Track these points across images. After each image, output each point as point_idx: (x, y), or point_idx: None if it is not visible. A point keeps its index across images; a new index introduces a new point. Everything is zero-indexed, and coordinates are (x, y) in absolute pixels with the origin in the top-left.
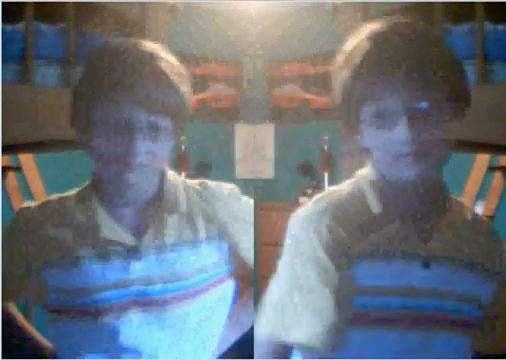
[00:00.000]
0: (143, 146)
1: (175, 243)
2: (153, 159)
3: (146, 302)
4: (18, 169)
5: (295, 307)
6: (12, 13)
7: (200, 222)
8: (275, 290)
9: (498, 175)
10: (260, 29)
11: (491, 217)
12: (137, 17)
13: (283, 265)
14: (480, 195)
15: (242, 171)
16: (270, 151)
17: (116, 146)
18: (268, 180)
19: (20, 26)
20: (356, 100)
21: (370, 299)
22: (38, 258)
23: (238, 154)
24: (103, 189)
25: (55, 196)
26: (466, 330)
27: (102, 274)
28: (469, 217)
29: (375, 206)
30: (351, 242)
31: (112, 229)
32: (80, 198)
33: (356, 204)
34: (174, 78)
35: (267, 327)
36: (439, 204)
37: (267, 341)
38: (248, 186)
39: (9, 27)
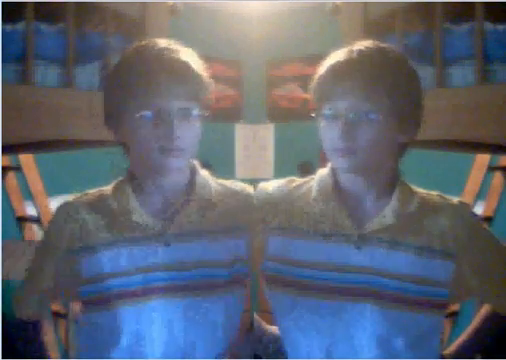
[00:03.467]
0: (179, 130)
1: (199, 232)
2: (189, 143)
3: (170, 288)
4: (18, 169)
5: None
6: (12, 13)
7: (216, 214)
8: None
9: (498, 175)
10: (260, 29)
11: (491, 217)
12: (137, 17)
13: None
14: (480, 195)
15: (242, 171)
16: (270, 151)
17: (156, 134)
18: (268, 180)
19: (20, 26)
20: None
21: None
22: (73, 247)
23: (238, 154)
24: (138, 180)
25: (94, 189)
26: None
27: (130, 259)
28: (415, 205)
29: (314, 193)
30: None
31: (142, 215)
32: (115, 188)
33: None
34: (196, 66)
35: None
36: (384, 192)
37: None
38: None
39: (9, 27)
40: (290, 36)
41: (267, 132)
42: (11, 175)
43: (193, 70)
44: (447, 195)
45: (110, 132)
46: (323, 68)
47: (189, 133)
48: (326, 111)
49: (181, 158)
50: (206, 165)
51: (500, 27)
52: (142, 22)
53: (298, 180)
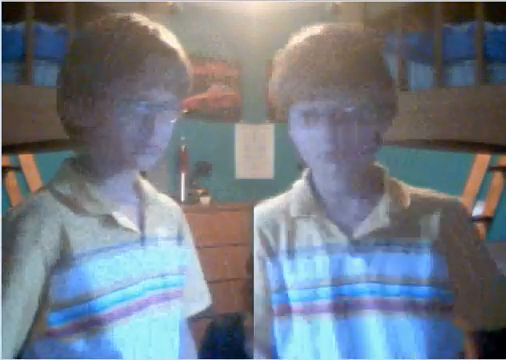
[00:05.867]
0: (158, 127)
1: (163, 237)
2: (164, 141)
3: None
4: (18, 169)
5: None
6: (12, 13)
7: (163, 218)
8: None
9: (498, 175)
10: (260, 29)
11: (491, 217)
12: None
13: None
14: (480, 195)
15: (242, 171)
16: (270, 151)
17: (134, 127)
18: (268, 180)
19: (20, 26)
20: (284, 99)
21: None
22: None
23: (238, 154)
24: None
25: None
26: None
27: (105, 273)
28: (408, 202)
29: (293, 210)
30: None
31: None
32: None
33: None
34: (181, 53)
35: None
36: (368, 192)
37: None
38: (248, 186)
39: (9, 27)
40: (290, 36)
41: (267, 132)
42: (11, 175)
43: (182, 58)
44: (443, 193)
45: (75, 115)
46: (284, 64)
47: (166, 130)
48: (304, 112)
49: (154, 156)
50: (206, 165)
51: (500, 27)
52: None
53: (282, 197)
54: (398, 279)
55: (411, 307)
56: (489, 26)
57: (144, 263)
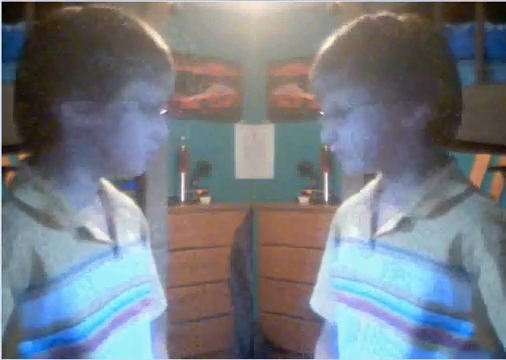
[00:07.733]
0: (160, 130)
1: (131, 243)
2: (160, 146)
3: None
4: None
5: None
6: (12, 13)
7: (127, 223)
8: None
9: (498, 175)
10: (260, 29)
11: None
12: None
13: None
14: None
15: (242, 171)
16: (270, 151)
17: (147, 131)
18: (268, 180)
19: (20, 26)
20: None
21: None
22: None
23: (238, 154)
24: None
25: None
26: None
27: (81, 294)
28: (431, 206)
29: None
30: None
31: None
32: None
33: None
34: (169, 52)
35: None
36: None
37: None
38: (248, 186)
39: (9, 27)
40: (290, 36)
41: (267, 132)
42: (11, 175)
43: (170, 57)
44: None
45: (83, 115)
46: (314, 62)
47: (164, 133)
48: (321, 110)
49: (146, 160)
50: (206, 165)
51: (500, 27)
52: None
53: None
54: (406, 295)
55: (410, 331)
56: (489, 26)
57: (118, 275)
